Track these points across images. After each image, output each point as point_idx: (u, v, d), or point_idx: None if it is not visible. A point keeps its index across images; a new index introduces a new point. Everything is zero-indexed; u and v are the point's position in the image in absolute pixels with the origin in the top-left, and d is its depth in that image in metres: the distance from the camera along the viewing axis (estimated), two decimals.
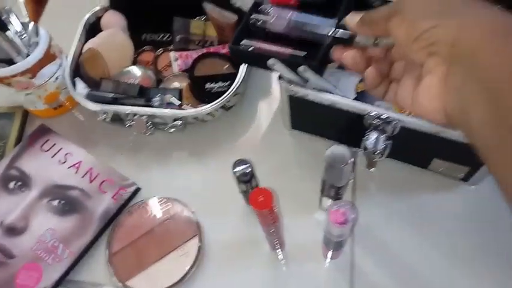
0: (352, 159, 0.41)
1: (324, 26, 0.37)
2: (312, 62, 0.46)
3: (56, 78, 0.62)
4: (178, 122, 0.59)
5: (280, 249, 0.51)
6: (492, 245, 0.49)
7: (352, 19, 0.32)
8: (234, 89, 0.58)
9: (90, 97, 0.62)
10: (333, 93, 0.49)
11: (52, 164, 0.60)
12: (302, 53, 0.48)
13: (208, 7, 0.64)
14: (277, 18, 0.42)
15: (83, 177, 0.59)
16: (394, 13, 0.27)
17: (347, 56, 0.33)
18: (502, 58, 0.22)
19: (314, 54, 0.48)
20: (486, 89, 0.22)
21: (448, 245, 0.50)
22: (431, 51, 0.25)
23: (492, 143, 0.22)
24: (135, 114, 0.59)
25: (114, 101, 0.61)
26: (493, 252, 0.49)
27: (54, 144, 0.62)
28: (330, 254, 0.49)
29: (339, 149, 0.42)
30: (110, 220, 0.56)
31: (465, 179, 0.52)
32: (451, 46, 0.24)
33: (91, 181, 0.59)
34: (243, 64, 0.60)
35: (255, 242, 0.52)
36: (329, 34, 0.36)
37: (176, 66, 0.66)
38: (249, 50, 0.50)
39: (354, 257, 0.50)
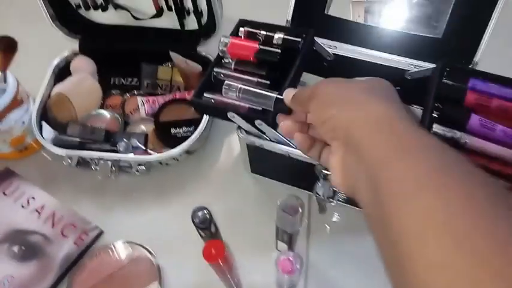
0: (300, 210, 0.44)
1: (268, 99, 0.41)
2: (267, 117, 0.50)
3: (23, 122, 0.64)
4: (143, 167, 0.61)
5: None
6: None
7: (287, 95, 0.36)
8: (198, 135, 0.61)
9: (56, 141, 0.63)
10: (286, 144, 0.52)
11: (14, 208, 0.61)
12: (259, 108, 0.52)
13: (175, 56, 0.67)
14: (229, 89, 0.46)
15: (45, 222, 0.60)
16: (312, 96, 0.31)
17: (282, 126, 0.36)
18: (379, 151, 0.25)
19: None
20: (369, 177, 0.25)
21: None
22: (332, 135, 0.29)
23: (373, 221, 0.25)
24: (100, 159, 0.61)
25: (80, 145, 0.63)
26: None
27: (18, 187, 0.63)
28: None
29: (291, 199, 0.45)
30: (71, 265, 0.57)
31: None
32: (345, 135, 0.27)
33: (53, 225, 0.59)
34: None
35: (214, 284, 0.53)
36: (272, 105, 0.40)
37: (143, 111, 0.68)
38: (210, 103, 0.53)
39: None
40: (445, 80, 0.51)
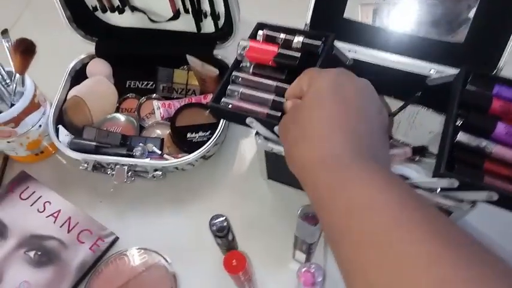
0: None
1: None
2: None
3: (39, 126, 0.64)
4: (159, 173, 0.61)
5: None
6: None
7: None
8: (214, 140, 0.60)
9: (72, 145, 0.63)
10: None
11: (30, 213, 0.60)
12: (278, 113, 0.51)
13: (191, 60, 0.67)
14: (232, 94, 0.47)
15: (61, 226, 0.59)
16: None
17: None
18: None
19: None
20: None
21: None
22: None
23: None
24: (116, 164, 0.60)
25: (96, 150, 0.62)
26: None
27: (34, 192, 0.63)
28: None
29: (311, 209, 0.44)
30: (87, 271, 0.56)
31: None
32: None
33: (69, 231, 0.59)
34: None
35: None
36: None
37: (159, 115, 0.68)
38: (228, 108, 0.52)
39: None
40: (469, 87, 0.50)
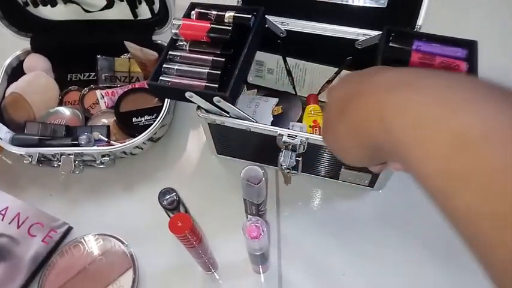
0: (263, 178, 0.45)
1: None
2: (224, 94, 0.51)
3: None
4: (107, 158, 0.61)
5: (213, 270, 0.54)
6: (402, 240, 0.55)
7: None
8: (160, 121, 0.61)
9: (15, 141, 0.61)
10: (246, 119, 0.53)
11: None
12: (215, 85, 0.52)
13: (130, 46, 0.67)
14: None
15: (10, 223, 0.58)
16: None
17: None
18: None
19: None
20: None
21: (365, 246, 0.55)
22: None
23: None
24: (62, 154, 0.60)
25: (40, 143, 0.61)
26: (405, 246, 0.55)
27: None
28: (260, 268, 0.52)
29: (253, 169, 0.46)
30: (41, 264, 0.56)
31: (371, 185, 0.58)
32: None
33: (19, 226, 0.58)
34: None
35: (189, 266, 0.54)
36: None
37: (103, 104, 0.68)
38: (167, 85, 0.53)
39: (281, 268, 0.54)
40: (391, 44, 0.54)
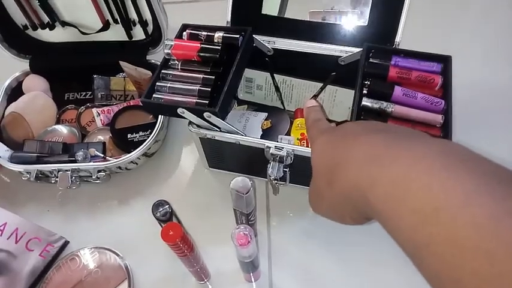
0: (252, 188, 0.48)
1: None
2: (214, 109, 0.53)
3: None
4: (103, 173, 0.63)
5: (205, 279, 0.55)
6: (393, 245, 0.57)
7: (308, 103, 0.43)
8: (154, 137, 0.64)
9: (14, 159, 0.64)
10: (235, 133, 0.56)
11: None
12: (205, 101, 0.55)
13: (124, 65, 0.70)
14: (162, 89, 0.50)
15: (8, 238, 0.60)
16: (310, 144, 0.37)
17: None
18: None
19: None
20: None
21: (355, 253, 0.57)
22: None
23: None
24: (59, 171, 0.62)
25: (38, 160, 0.63)
26: (395, 251, 0.56)
27: None
28: (251, 277, 0.54)
29: (241, 180, 0.48)
30: (39, 277, 0.57)
31: None
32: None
33: (17, 241, 0.59)
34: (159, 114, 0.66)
35: (182, 277, 0.55)
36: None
37: (99, 121, 0.70)
38: (160, 102, 0.56)
39: (272, 277, 0.55)
40: (372, 60, 0.57)
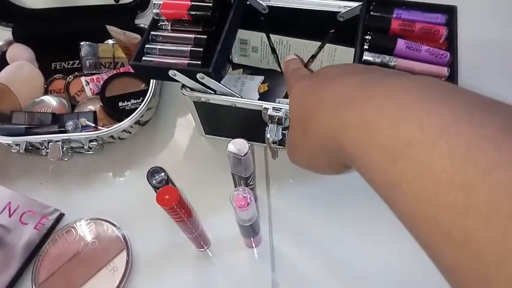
0: (249, 150, 0.46)
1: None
2: (207, 70, 0.51)
3: None
4: (95, 143, 0.60)
5: (205, 247, 0.54)
6: None
7: (286, 58, 0.41)
8: (146, 104, 0.61)
9: (2, 131, 0.61)
10: (231, 95, 0.53)
11: None
12: (198, 62, 0.52)
13: (112, 30, 0.66)
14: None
15: (1, 213, 0.58)
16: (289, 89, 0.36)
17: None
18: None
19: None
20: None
21: (358, 218, 0.56)
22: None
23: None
24: (49, 141, 0.59)
25: (27, 132, 0.61)
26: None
27: None
28: (252, 243, 0.53)
29: (238, 142, 0.46)
30: (34, 250, 0.56)
31: None
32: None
33: (10, 215, 0.58)
34: (151, 79, 0.63)
35: (182, 245, 0.54)
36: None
37: (89, 90, 0.67)
38: (150, 65, 0.53)
39: (273, 242, 0.54)
40: (372, 13, 0.54)
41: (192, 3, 0.54)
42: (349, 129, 0.24)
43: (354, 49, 0.56)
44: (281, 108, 0.51)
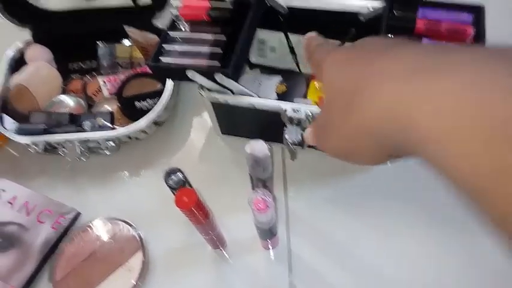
0: (268, 151, 0.45)
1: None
2: (226, 70, 0.50)
3: None
4: (112, 143, 0.60)
5: (221, 248, 0.53)
6: (412, 211, 0.54)
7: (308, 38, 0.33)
8: (163, 103, 0.61)
9: (20, 131, 0.62)
10: (251, 96, 0.53)
11: None
12: (217, 63, 0.52)
13: (130, 30, 0.66)
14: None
15: (19, 211, 0.58)
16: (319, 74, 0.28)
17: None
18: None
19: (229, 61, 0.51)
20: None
21: (378, 221, 0.54)
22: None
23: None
24: (67, 141, 0.60)
25: (45, 131, 0.61)
26: (414, 217, 0.54)
27: None
28: (269, 244, 0.52)
29: (257, 143, 0.45)
30: (51, 249, 0.56)
31: None
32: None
33: (28, 214, 0.58)
34: (168, 79, 0.62)
35: (198, 246, 0.54)
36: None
37: (106, 91, 0.67)
38: (167, 65, 0.52)
39: (290, 244, 0.53)
40: (396, 12, 0.52)
41: (212, 4, 0.53)
42: (425, 106, 0.19)
43: None
44: (301, 109, 0.50)
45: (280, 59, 0.66)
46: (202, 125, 0.67)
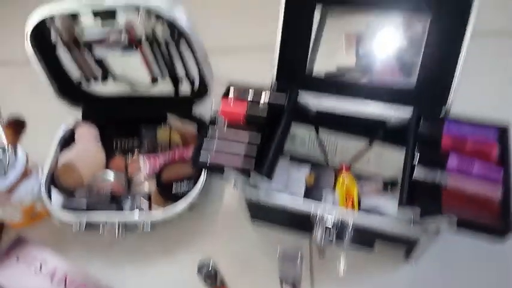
0: (300, 258, 0.47)
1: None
2: (261, 170, 0.53)
3: (32, 191, 0.67)
4: (148, 225, 0.64)
5: None
6: None
7: None
8: (199, 188, 0.65)
9: (65, 205, 0.67)
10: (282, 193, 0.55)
11: (27, 275, 0.63)
12: (252, 162, 0.55)
13: (172, 118, 0.72)
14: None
15: (58, 285, 0.62)
16: None
17: None
18: None
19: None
20: None
21: None
22: None
23: None
24: (107, 222, 0.64)
25: (88, 208, 0.66)
26: None
27: (30, 253, 0.65)
28: None
29: (289, 249, 0.48)
30: None
31: (406, 256, 0.59)
32: None
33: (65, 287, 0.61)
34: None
35: None
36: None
37: (145, 171, 0.72)
38: (207, 162, 0.56)
39: None
40: (422, 129, 0.55)
41: (248, 112, 0.58)
42: None
43: (403, 151, 0.55)
44: (329, 217, 0.53)
45: (309, 151, 0.70)
46: (231, 209, 0.71)
